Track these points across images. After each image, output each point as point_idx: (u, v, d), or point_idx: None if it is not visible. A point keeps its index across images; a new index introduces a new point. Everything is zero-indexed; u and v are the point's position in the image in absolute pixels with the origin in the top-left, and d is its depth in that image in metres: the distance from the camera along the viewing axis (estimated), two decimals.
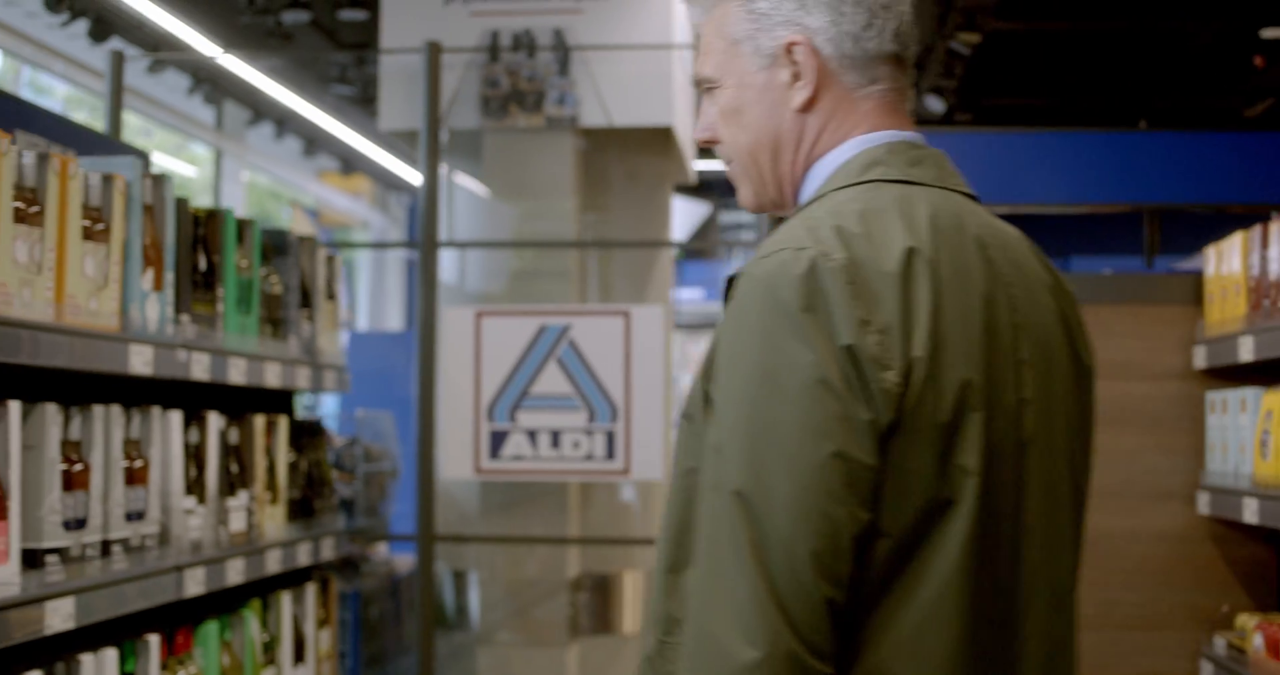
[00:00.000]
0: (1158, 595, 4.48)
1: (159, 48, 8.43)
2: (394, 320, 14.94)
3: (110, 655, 3.29)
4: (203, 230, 3.84)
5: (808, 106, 1.94)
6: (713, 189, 14.58)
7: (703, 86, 2.02)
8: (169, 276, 3.61)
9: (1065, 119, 11.86)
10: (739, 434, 1.69)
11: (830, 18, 1.91)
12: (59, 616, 3.01)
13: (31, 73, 9.26)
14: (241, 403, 4.32)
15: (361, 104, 9.81)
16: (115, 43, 7.94)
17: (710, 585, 1.66)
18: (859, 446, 1.66)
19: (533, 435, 5.39)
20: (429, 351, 5.37)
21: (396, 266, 14.98)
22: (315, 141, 11.89)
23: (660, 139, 6.39)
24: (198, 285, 3.80)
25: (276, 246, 4.41)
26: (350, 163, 13.04)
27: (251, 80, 9.59)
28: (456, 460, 5.40)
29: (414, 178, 11.11)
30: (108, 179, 3.33)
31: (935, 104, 11.21)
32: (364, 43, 8.62)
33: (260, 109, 10.47)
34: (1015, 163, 5.14)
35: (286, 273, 4.45)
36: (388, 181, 14.47)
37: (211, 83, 9.60)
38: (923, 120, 12.18)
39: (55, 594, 2.98)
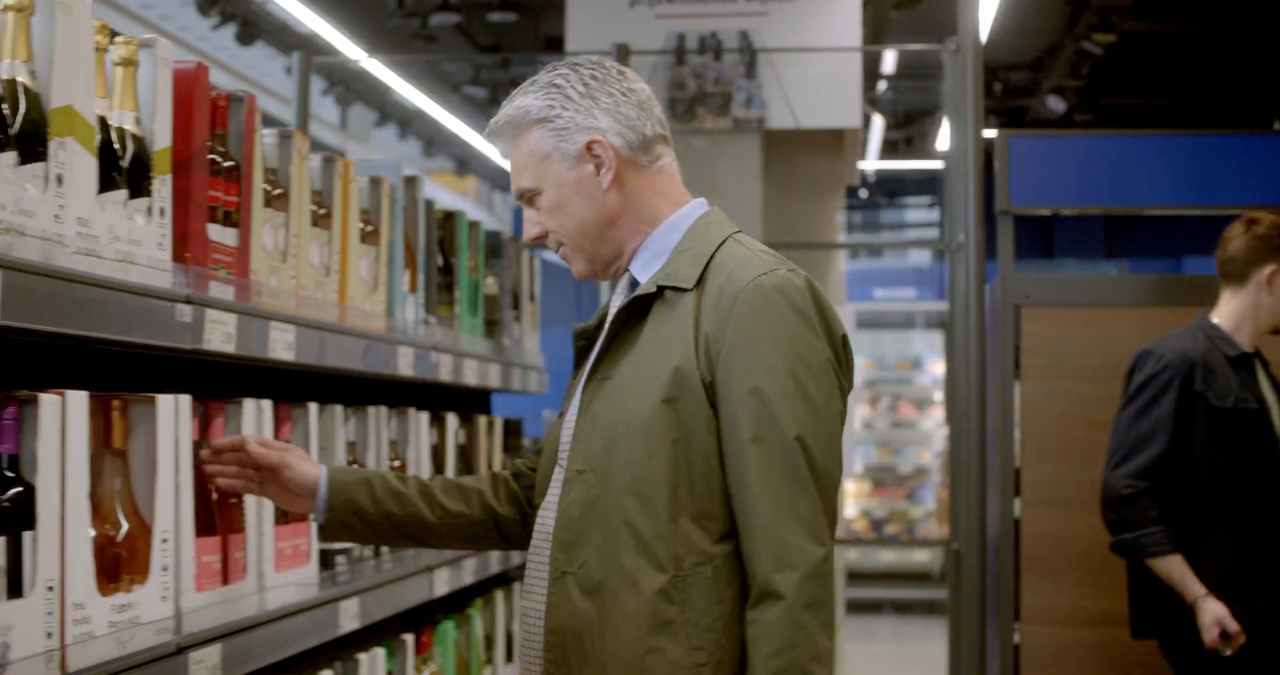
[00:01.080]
0: None
1: (299, 50, 8.48)
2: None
3: (380, 655, 3.32)
4: (441, 232, 3.87)
5: (616, 186, 2.47)
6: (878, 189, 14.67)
7: (524, 196, 2.51)
8: (421, 278, 3.65)
9: (1187, 120, 11.76)
10: (790, 398, 2.30)
11: (612, 117, 2.46)
12: (348, 616, 3.03)
13: None
14: (443, 402, 4.33)
15: (489, 105, 9.85)
16: (260, 46, 8.03)
17: (778, 508, 2.28)
18: (845, 406, 2.41)
19: None
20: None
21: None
22: (434, 142, 11.95)
23: (833, 140, 6.38)
24: (440, 287, 3.83)
25: (493, 247, 4.43)
26: (465, 163, 13.10)
27: (389, 83, 9.62)
28: None
29: None
30: (375, 181, 3.36)
31: (1056, 104, 11.16)
32: (508, 45, 8.66)
33: (387, 110, 10.53)
34: (1135, 164, 5.13)
35: (501, 274, 4.47)
36: (494, 181, 14.53)
37: (345, 84, 9.67)
38: (1043, 121, 12.21)
39: (346, 594, 3.01)
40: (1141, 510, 4.12)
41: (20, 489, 1.92)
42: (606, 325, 2.49)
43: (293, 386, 3.20)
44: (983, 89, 4.84)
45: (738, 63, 5.98)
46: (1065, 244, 16.11)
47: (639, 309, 2.44)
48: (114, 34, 2.22)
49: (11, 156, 1.88)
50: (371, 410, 3.32)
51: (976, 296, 4.93)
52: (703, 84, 5.93)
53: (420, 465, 3.64)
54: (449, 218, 3.94)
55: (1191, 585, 4.08)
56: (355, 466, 3.24)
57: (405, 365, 3.41)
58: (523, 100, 2.50)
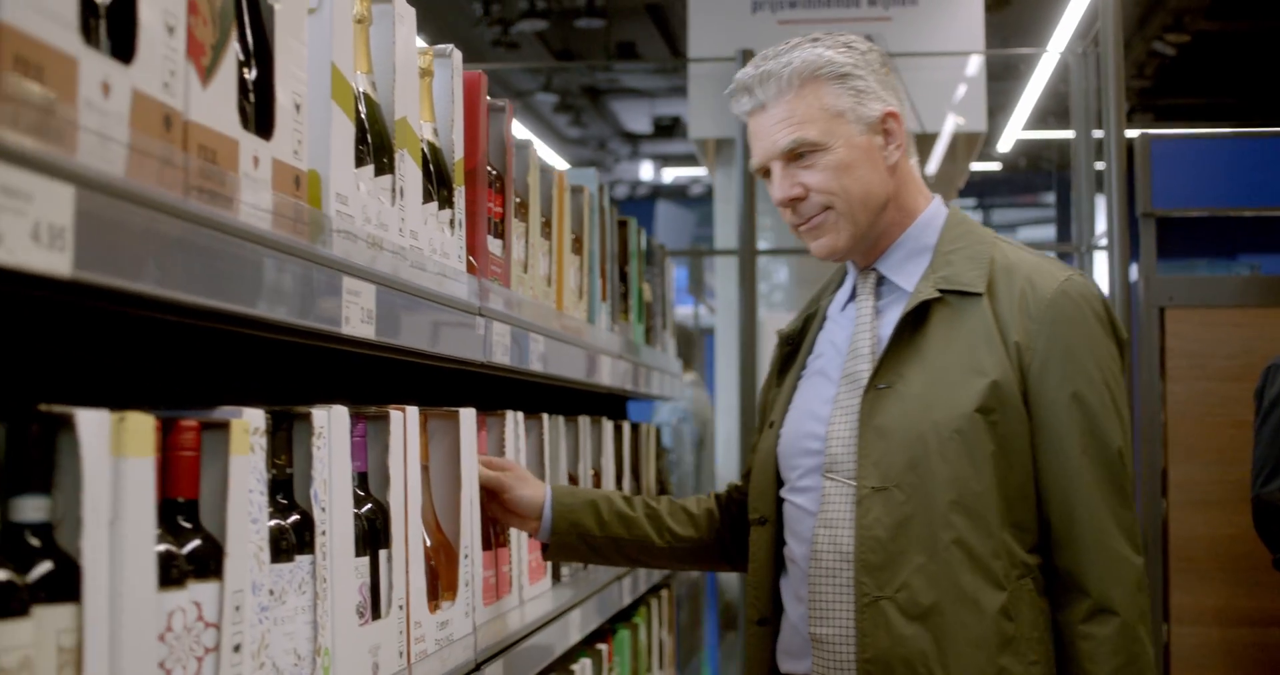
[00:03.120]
0: None
1: None
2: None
3: (588, 664, 3.30)
4: (618, 239, 3.85)
5: (894, 167, 2.38)
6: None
7: (795, 151, 2.33)
8: (610, 287, 3.63)
9: (1250, 118, 11.74)
10: (1109, 409, 2.26)
11: (899, 98, 2.39)
12: (574, 627, 3.02)
13: None
14: (580, 406, 4.29)
15: (558, 111, 9.82)
16: None
17: (1107, 521, 2.23)
18: None
19: None
20: (750, 357, 5.36)
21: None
22: None
23: (951, 142, 6.35)
24: (620, 295, 3.81)
25: (648, 254, 4.41)
26: None
27: None
28: None
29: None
30: (576, 191, 3.34)
31: None
32: (580, 53, 8.63)
33: None
34: (1208, 165, 5.11)
35: (654, 281, 4.45)
36: None
37: None
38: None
39: (574, 604, 3.00)
40: None
41: (372, 509, 1.90)
42: (891, 332, 2.33)
43: (488, 394, 3.18)
44: (1124, 91, 4.81)
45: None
46: (1183, 243, 15.96)
47: (918, 315, 2.32)
48: None
49: (369, 169, 1.86)
50: (584, 419, 3.30)
51: (1122, 299, 4.90)
52: None
53: (606, 472, 3.61)
54: (622, 225, 3.92)
55: None
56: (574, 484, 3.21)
57: (605, 374, 3.39)
58: (819, 51, 2.35)
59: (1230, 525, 4.72)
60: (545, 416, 2.95)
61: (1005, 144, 11.69)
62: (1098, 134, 5.43)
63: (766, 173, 2.39)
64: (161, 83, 1.27)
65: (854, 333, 2.41)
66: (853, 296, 2.48)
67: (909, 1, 5.94)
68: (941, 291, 2.32)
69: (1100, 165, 5.42)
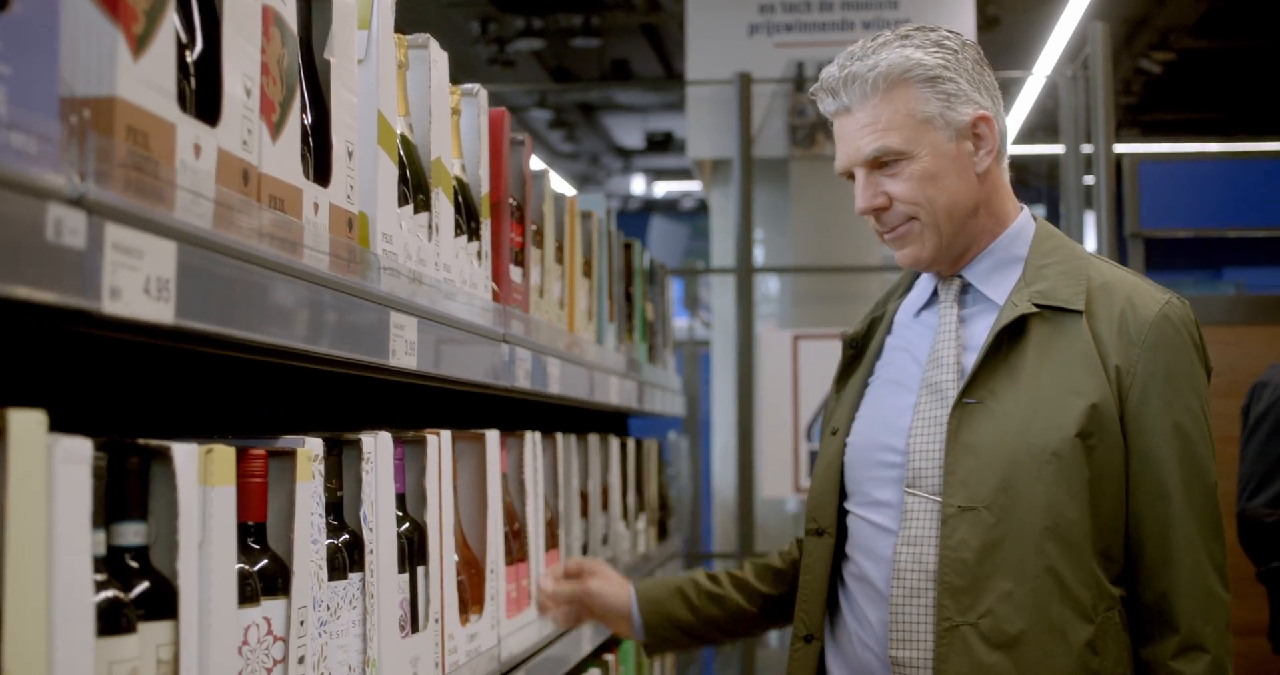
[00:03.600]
0: None
1: None
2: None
3: (596, 674, 3.41)
4: (623, 261, 3.97)
5: (986, 173, 2.24)
6: None
7: (879, 159, 2.20)
8: (617, 308, 3.74)
9: (1237, 132, 11.90)
10: (1205, 440, 2.18)
11: (992, 100, 2.25)
12: (585, 639, 3.12)
13: None
14: (586, 424, 4.40)
15: (552, 126, 9.94)
16: None
17: (1202, 556, 2.13)
18: None
19: None
20: (747, 373, 5.48)
21: None
22: None
23: None
24: (625, 315, 3.92)
25: (651, 275, 4.52)
26: None
27: None
28: (776, 479, 5.52)
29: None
30: (586, 216, 3.46)
31: None
32: (576, 71, 8.75)
33: None
34: (1259, 185, 5.25)
35: (655, 299, 4.57)
36: None
37: None
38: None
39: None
40: None
41: (410, 527, 2.01)
42: (984, 345, 2.20)
43: (467, 413, 3.29)
44: (1113, 116, 4.94)
45: None
46: (1170, 260, 16.08)
47: (1014, 329, 2.20)
48: None
49: (409, 208, 1.97)
50: (593, 438, 3.41)
51: None
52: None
53: (612, 489, 3.72)
54: (628, 248, 4.03)
55: None
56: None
57: (614, 393, 3.50)
58: (908, 52, 2.20)
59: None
60: (559, 436, 3.06)
61: None
62: (1086, 148, 5.54)
63: (850, 175, 2.27)
64: (241, 141, 1.38)
65: (935, 341, 2.29)
66: (929, 303, 2.36)
67: (902, 24, 6.00)
68: (1039, 306, 2.20)
69: (1089, 179, 5.54)
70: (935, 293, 2.34)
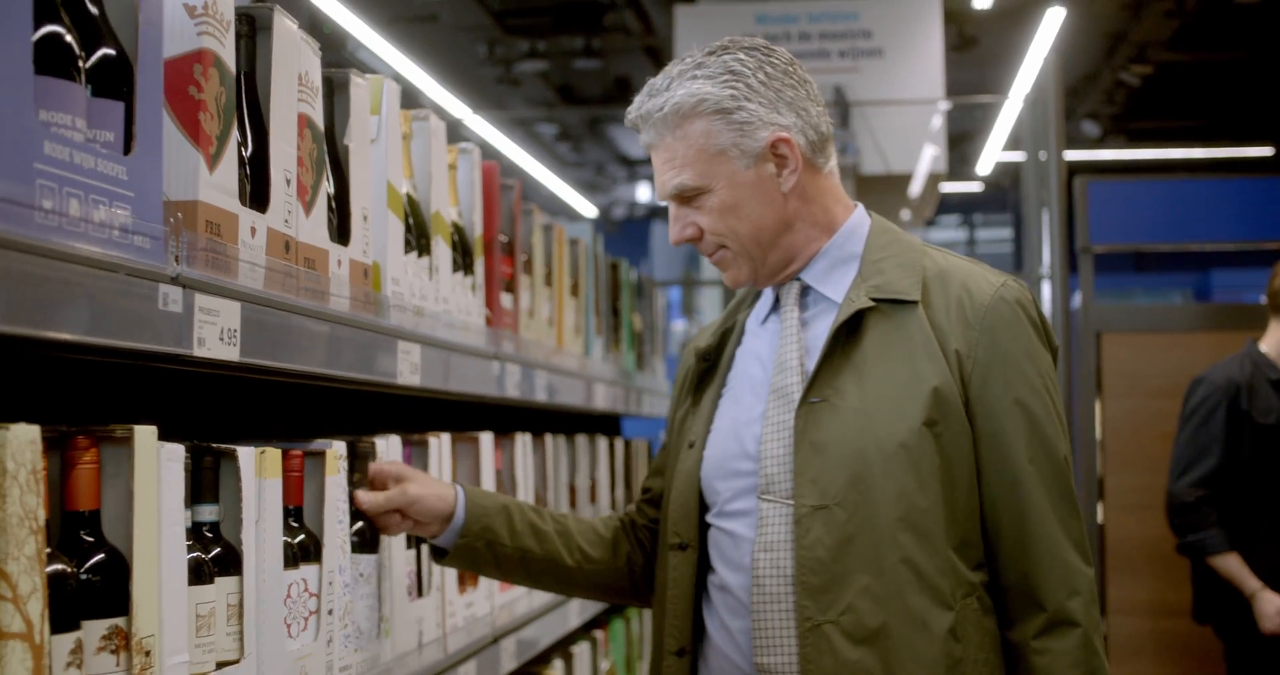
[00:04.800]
0: None
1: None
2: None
3: (585, 648, 3.86)
4: (610, 279, 4.43)
5: (796, 189, 2.23)
6: None
7: (682, 195, 2.23)
8: (604, 322, 4.20)
9: (1219, 138, 12.33)
10: (1051, 416, 2.18)
11: (795, 112, 2.21)
12: (573, 614, 3.57)
13: None
14: (579, 426, 4.83)
15: (559, 139, 10.40)
16: None
17: (1059, 531, 2.15)
18: None
19: None
20: None
21: None
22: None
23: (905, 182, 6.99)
24: (612, 328, 4.38)
25: (639, 288, 4.98)
26: (525, 193, 13.73)
27: (463, 118, 10.23)
28: None
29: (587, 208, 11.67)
30: (574, 243, 3.92)
31: (1091, 129, 11.73)
32: (581, 88, 9.21)
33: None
34: (1199, 204, 5.73)
35: (644, 311, 5.03)
36: (548, 207, 15.15)
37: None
38: (1080, 143, 12.82)
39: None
40: (1203, 515, 4.68)
41: None
42: (824, 344, 2.20)
43: (467, 419, 3.75)
44: (1064, 140, 5.40)
45: (833, 114, 6.54)
46: (1124, 269, 16.44)
47: (851, 325, 2.20)
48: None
49: (413, 255, 2.43)
50: (581, 438, 3.87)
51: (1062, 325, 5.47)
52: None
53: (601, 486, 4.18)
54: (614, 267, 4.49)
55: (1248, 580, 4.63)
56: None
57: (600, 399, 3.96)
58: (696, 86, 2.20)
59: (1161, 527, 5.28)
60: (549, 436, 3.52)
61: (984, 166, 12.26)
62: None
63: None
64: (283, 219, 1.84)
65: (779, 345, 2.27)
66: (774, 309, 2.35)
67: (875, 54, 6.56)
68: (875, 300, 2.19)
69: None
70: (778, 298, 2.33)
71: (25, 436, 1.26)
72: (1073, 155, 12.90)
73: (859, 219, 2.32)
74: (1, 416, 1.33)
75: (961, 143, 13.64)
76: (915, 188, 7.31)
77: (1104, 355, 5.59)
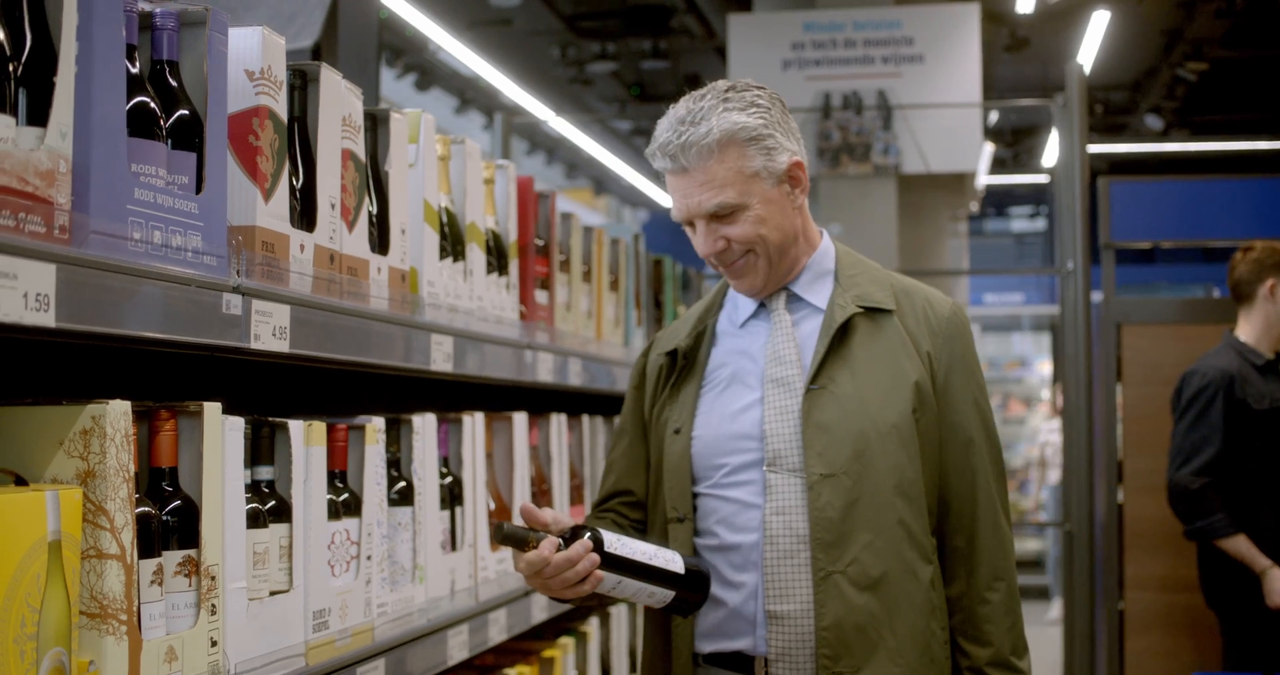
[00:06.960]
0: None
1: (465, 92, 9.52)
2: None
3: (594, 626, 4.28)
4: (652, 273, 4.84)
5: (801, 207, 2.65)
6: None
7: (720, 212, 2.54)
8: (644, 314, 4.61)
9: (1275, 131, 12.48)
10: (988, 408, 2.66)
11: (798, 143, 2.63)
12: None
13: None
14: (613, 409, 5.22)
15: (633, 135, 10.81)
16: (436, 91, 9.07)
17: (998, 503, 2.60)
18: None
19: None
20: None
21: None
22: (575, 166, 13.01)
23: (956, 179, 7.33)
24: (655, 319, 4.79)
25: (684, 281, 5.38)
26: (601, 184, 14.17)
27: (544, 118, 10.68)
28: None
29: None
30: (615, 242, 4.33)
31: (1154, 122, 11.94)
32: (651, 84, 9.60)
33: (537, 140, 11.60)
34: (1216, 202, 6.03)
35: (689, 303, 5.42)
36: (625, 198, 15.59)
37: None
38: (1145, 137, 13.04)
39: None
40: (1208, 501, 4.94)
41: (451, 480, 2.90)
42: (825, 340, 2.58)
43: (491, 400, 4.16)
44: (1086, 142, 5.72)
45: (876, 117, 6.92)
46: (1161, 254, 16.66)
47: (843, 327, 2.60)
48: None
49: (449, 260, 2.86)
50: (599, 420, 4.29)
51: (1084, 317, 5.81)
52: (846, 135, 6.90)
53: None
54: (658, 263, 4.90)
55: (1257, 558, 4.89)
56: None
57: None
58: (733, 117, 2.53)
59: None
60: (585, 417, 3.94)
61: (1049, 159, 12.48)
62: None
63: (690, 223, 2.62)
64: (328, 237, 2.27)
65: (773, 342, 2.63)
66: (755, 314, 2.70)
67: (916, 60, 6.92)
68: (862, 307, 2.61)
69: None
70: (762, 304, 2.69)
71: (120, 409, 1.70)
72: (1135, 148, 13.17)
73: (827, 241, 2.77)
74: (103, 394, 1.76)
75: (1028, 136, 13.91)
76: (979, 182, 7.68)
77: (1124, 346, 5.93)
